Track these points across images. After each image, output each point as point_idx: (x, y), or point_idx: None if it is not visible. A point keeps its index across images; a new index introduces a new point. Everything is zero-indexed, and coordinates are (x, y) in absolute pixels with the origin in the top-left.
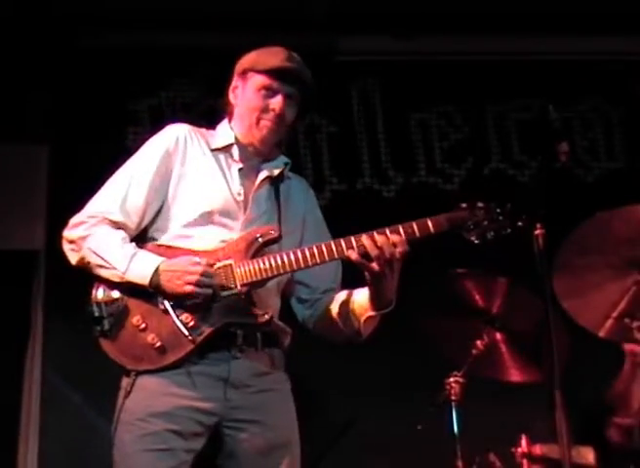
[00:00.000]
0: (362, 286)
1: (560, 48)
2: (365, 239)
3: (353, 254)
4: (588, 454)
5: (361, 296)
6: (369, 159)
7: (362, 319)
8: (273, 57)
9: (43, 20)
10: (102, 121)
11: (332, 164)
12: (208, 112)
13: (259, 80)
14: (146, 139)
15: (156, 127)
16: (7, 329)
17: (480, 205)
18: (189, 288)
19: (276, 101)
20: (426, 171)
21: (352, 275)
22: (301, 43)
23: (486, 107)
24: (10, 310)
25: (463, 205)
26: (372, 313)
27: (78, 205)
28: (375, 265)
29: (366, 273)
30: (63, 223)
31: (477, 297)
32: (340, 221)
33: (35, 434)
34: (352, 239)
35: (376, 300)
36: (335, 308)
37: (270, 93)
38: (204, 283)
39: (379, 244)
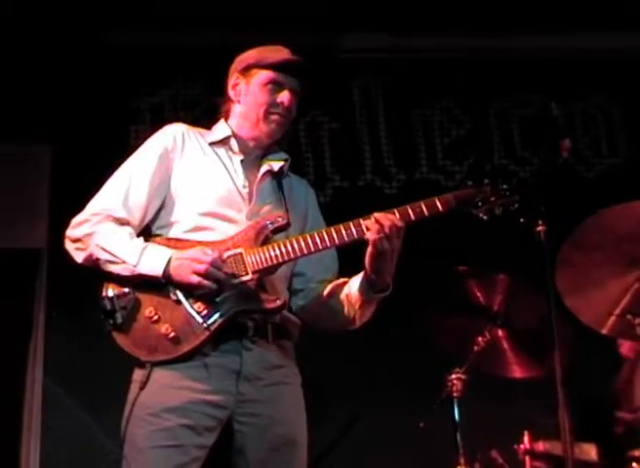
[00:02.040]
0: (355, 274)
1: (561, 44)
2: (371, 219)
3: (367, 233)
4: (591, 451)
5: (357, 283)
6: (370, 156)
7: (357, 305)
8: (277, 52)
9: (43, 21)
10: (104, 120)
11: (333, 161)
12: (210, 110)
13: (264, 75)
14: (148, 138)
15: (158, 125)
16: (9, 326)
17: (486, 181)
18: (196, 278)
19: (284, 95)
20: (428, 167)
21: (348, 267)
22: (302, 40)
23: (488, 104)
24: (12, 308)
25: (470, 182)
26: (368, 297)
27: (81, 203)
28: (379, 241)
29: (370, 252)
30: (66, 222)
31: (479, 294)
32: (342, 218)
33: (37, 432)
34: (361, 221)
35: (374, 283)
36: (329, 296)
37: (277, 87)
38: (212, 274)
39: (384, 222)
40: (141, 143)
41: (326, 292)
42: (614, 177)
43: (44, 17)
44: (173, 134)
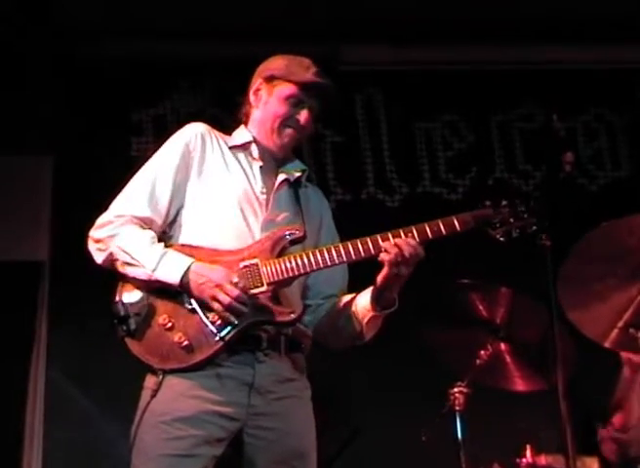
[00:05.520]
0: (363, 289)
1: (564, 57)
2: (390, 238)
3: (381, 254)
4: (593, 465)
5: (363, 299)
6: (373, 169)
7: (365, 320)
8: (305, 70)
9: (46, 32)
10: (106, 132)
11: (336, 174)
12: (212, 121)
13: (287, 89)
14: (150, 150)
15: (160, 137)
16: (12, 339)
17: (504, 203)
18: (218, 306)
19: (303, 113)
20: (431, 181)
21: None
22: (304, 52)
23: (490, 117)
24: (14, 321)
25: (488, 202)
26: (375, 313)
27: (82, 216)
28: (395, 266)
29: (385, 271)
30: (68, 234)
31: (481, 308)
32: (345, 232)
33: (39, 440)
34: (378, 238)
35: (381, 300)
36: (336, 312)
37: (297, 103)
38: (234, 308)
39: (404, 248)
40: (144, 155)
41: (333, 310)
42: (617, 191)
43: (46, 27)
44: (194, 132)
